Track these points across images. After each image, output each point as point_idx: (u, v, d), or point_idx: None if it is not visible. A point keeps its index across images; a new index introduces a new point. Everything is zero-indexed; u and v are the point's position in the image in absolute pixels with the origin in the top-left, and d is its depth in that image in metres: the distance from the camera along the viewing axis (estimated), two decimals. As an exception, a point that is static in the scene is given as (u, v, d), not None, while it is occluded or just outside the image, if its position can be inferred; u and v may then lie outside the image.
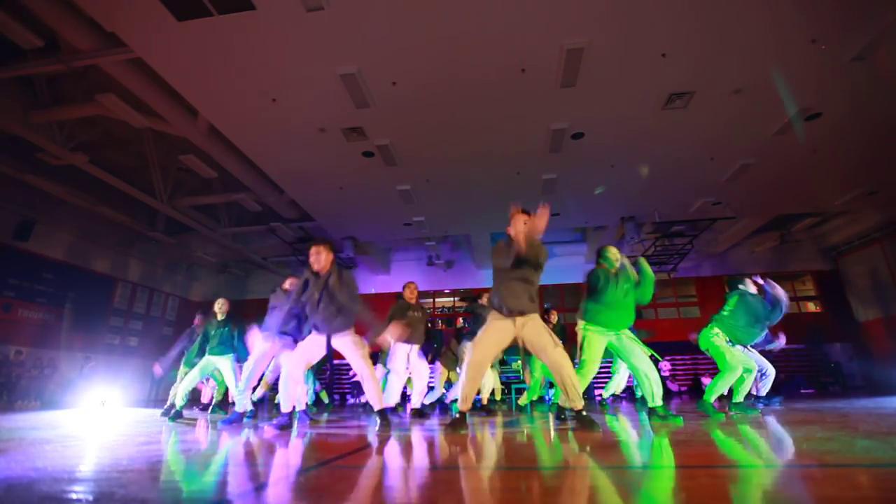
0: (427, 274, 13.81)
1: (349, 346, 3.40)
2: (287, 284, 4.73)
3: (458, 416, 3.04)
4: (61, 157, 7.50)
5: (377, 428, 3.18)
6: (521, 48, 5.06)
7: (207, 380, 6.92)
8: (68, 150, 7.33)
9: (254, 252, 12.46)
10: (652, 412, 3.40)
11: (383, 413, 3.29)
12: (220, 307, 5.14)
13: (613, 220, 10.32)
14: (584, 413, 2.95)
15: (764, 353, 4.77)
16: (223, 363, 4.98)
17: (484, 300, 6.01)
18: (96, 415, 5.92)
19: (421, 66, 5.32)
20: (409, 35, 4.87)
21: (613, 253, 3.67)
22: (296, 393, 3.47)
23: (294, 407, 3.47)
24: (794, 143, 6.88)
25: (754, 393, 4.72)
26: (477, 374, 3.01)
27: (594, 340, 3.49)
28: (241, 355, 4.92)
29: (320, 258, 3.41)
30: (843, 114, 6.22)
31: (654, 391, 3.38)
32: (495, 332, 3.02)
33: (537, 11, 4.58)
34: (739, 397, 4.11)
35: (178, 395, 5.08)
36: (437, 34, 4.87)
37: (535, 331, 2.98)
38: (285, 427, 3.40)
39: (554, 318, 6.45)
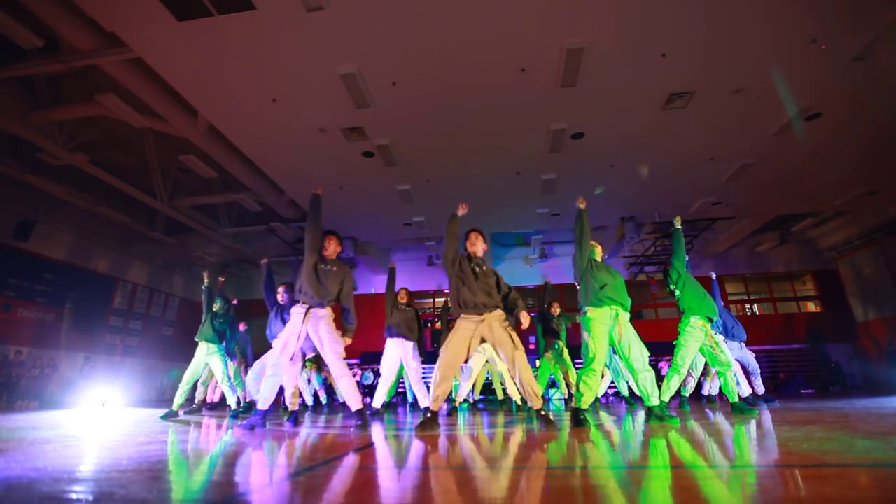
0: (427, 274, 13.79)
1: (326, 334, 3.31)
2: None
3: (429, 416, 3.04)
4: (61, 157, 7.50)
5: (355, 427, 3.13)
6: (521, 48, 5.06)
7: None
8: (68, 150, 7.32)
9: (254, 252, 12.45)
10: (650, 412, 3.31)
11: (362, 412, 3.28)
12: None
13: (613, 220, 10.32)
14: (543, 412, 3.08)
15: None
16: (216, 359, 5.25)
17: (555, 309, 6.03)
18: (96, 415, 5.92)
19: (421, 67, 5.32)
20: (410, 35, 4.87)
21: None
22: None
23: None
24: (794, 144, 6.88)
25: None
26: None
27: (597, 322, 3.37)
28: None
29: (331, 245, 3.66)
30: (843, 114, 6.22)
31: (650, 389, 3.30)
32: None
33: (537, 11, 4.58)
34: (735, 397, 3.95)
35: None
36: (437, 34, 4.87)
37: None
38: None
39: (556, 310, 6.12)
